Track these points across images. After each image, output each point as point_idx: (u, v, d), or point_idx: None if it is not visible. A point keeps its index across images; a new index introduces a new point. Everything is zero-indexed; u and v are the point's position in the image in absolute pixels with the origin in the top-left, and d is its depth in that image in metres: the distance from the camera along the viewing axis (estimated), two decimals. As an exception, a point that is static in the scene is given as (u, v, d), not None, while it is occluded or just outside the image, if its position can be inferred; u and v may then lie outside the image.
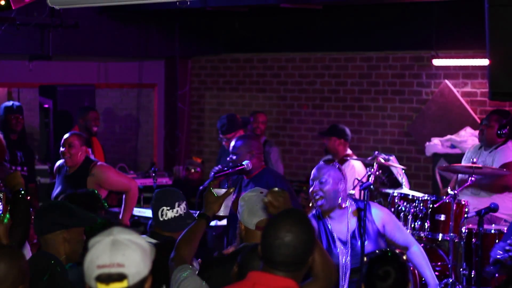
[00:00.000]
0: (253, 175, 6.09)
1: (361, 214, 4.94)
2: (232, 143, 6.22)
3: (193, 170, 9.28)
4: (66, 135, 6.96)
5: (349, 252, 4.90)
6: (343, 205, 4.98)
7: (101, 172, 6.78)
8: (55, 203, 3.97)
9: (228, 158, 6.25)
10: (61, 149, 6.87)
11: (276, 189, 3.67)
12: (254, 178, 6.04)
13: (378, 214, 5.02)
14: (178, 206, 4.49)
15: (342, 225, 4.97)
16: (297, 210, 3.23)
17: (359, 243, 4.91)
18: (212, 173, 5.87)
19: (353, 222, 4.95)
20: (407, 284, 3.74)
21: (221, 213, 4.14)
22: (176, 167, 8.95)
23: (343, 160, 7.82)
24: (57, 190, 6.92)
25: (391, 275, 3.68)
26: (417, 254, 5.22)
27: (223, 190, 4.08)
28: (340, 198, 4.96)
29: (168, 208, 4.47)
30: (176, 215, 4.47)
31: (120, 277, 2.58)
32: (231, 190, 4.17)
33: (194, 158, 9.67)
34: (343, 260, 4.88)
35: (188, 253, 3.76)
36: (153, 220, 4.53)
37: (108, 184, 6.81)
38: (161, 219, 4.46)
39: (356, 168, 7.80)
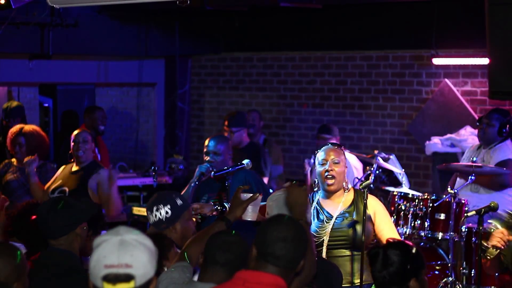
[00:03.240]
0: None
1: (361, 198, 5.07)
2: (213, 144, 6.21)
3: (175, 167, 9.28)
4: (77, 131, 6.94)
5: (330, 226, 4.97)
6: (347, 188, 5.09)
7: (104, 177, 6.78)
8: (56, 204, 3.95)
9: (210, 158, 6.21)
10: (73, 144, 6.85)
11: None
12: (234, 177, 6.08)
13: (372, 202, 5.10)
14: (157, 210, 4.50)
15: (334, 202, 5.07)
16: (291, 217, 3.30)
17: (344, 222, 4.96)
18: (212, 173, 5.85)
19: (346, 203, 5.02)
20: (408, 277, 3.63)
21: (247, 218, 4.11)
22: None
23: None
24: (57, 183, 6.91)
25: (379, 256, 3.62)
26: None
27: (249, 195, 4.07)
28: (344, 181, 5.09)
29: (149, 212, 4.53)
30: (156, 219, 4.50)
31: (128, 278, 2.58)
32: (257, 195, 4.16)
33: (175, 155, 9.67)
34: (322, 232, 4.95)
35: (195, 253, 3.77)
36: None
37: (104, 188, 6.71)
38: (150, 222, 4.54)
39: (350, 161, 7.88)
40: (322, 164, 5.06)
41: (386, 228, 5.06)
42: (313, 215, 5.00)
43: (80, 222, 3.94)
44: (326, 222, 4.98)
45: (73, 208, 3.95)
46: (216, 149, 6.19)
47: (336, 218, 4.98)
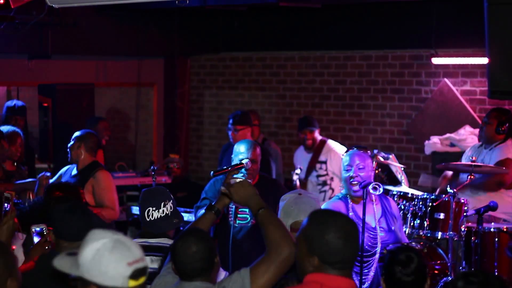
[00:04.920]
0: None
1: (382, 204, 5.11)
2: (250, 151, 6.03)
3: (174, 167, 9.30)
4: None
5: (377, 235, 4.99)
6: (372, 193, 5.08)
7: (104, 177, 6.72)
8: (75, 208, 3.99)
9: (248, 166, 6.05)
10: None
11: (238, 180, 3.83)
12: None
13: (396, 208, 5.19)
14: (164, 206, 4.47)
15: (369, 211, 5.08)
16: (342, 214, 3.24)
17: (386, 228, 5.00)
18: (212, 172, 5.83)
19: (379, 209, 5.01)
20: (426, 278, 3.72)
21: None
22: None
23: (320, 147, 7.99)
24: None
25: (414, 260, 3.65)
26: None
27: (238, 180, 4.06)
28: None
29: (154, 208, 4.47)
30: (162, 215, 4.46)
31: (146, 270, 2.67)
32: (245, 180, 4.15)
33: (171, 155, 9.68)
34: (368, 243, 4.95)
35: None
36: (141, 220, 4.54)
37: (100, 190, 6.64)
38: (148, 219, 4.47)
39: (337, 149, 8.00)
40: (347, 170, 5.03)
41: (401, 232, 5.25)
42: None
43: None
44: (372, 232, 4.97)
45: (89, 217, 3.98)
46: (254, 156, 5.97)
47: (380, 226, 4.99)
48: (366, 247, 4.93)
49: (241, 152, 5.99)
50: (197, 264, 3.42)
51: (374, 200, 5.06)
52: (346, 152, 5.16)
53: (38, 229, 4.32)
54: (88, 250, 2.63)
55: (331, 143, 8.21)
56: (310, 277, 3.11)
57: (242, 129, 7.63)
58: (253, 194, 3.76)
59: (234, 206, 5.95)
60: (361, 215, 4.98)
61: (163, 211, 4.46)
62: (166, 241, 4.40)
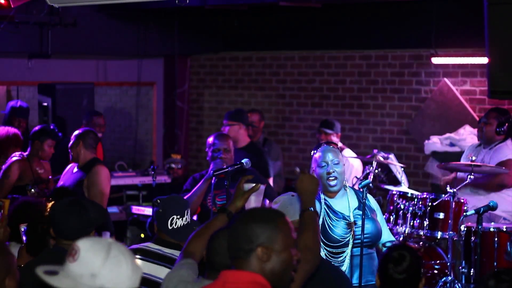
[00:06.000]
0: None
1: (358, 196, 5.08)
2: (223, 142, 6.25)
3: (176, 167, 9.30)
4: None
5: (352, 227, 4.95)
6: (346, 186, 5.10)
7: (98, 172, 6.62)
8: (74, 205, 4.01)
9: (221, 155, 6.26)
10: None
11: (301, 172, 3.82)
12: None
13: (373, 201, 5.17)
14: (187, 214, 4.45)
15: (343, 202, 5.05)
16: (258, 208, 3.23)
17: (360, 220, 4.98)
18: (211, 171, 5.85)
19: (353, 201, 5.01)
20: (420, 277, 3.75)
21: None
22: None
23: None
24: (60, 184, 6.90)
25: (406, 258, 3.70)
26: None
27: (252, 185, 4.06)
28: (344, 179, 5.09)
29: (179, 216, 4.42)
30: (185, 223, 4.43)
31: None
32: (259, 185, 4.15)
33: (173, 155, 9.68)
34: (345, 235, 4.92)
35: (198, 248, 3.71)
36: (161, 228, 4.44)
37: (89, 184, 6.52)
38: (170, 227, 4.40)
39: (350, 160, 8.02)
40: (322, 166, 5.03)
41: (385, 229, 5.13)
42: (325, 215, 4.96)
43: (93, 228, 4.01)
44: (346, 223, 4.95)
45: (89, 213, 4.00)
46: (226, 146, 6.27)
47: (354, 217, 4.97)
48: (337, 237, 4.91)
49: (212, 142, 6.20)
50: (226, 260, 3.36)
51: (348, 192, 5.06)
52: (316, 148, 5.16)
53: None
54: (107, 260, 2.61)
55: (346, 152, 8.10)
56: (220, 274, 3.08)
57: (231, 125, 7.50)
58: (313, 192, 3.71)
59: (213, 193, 5.99)
60: (336, 209, 5.00)
61: (185, 219, 4.43)
62: (178, 254, 4.38)
